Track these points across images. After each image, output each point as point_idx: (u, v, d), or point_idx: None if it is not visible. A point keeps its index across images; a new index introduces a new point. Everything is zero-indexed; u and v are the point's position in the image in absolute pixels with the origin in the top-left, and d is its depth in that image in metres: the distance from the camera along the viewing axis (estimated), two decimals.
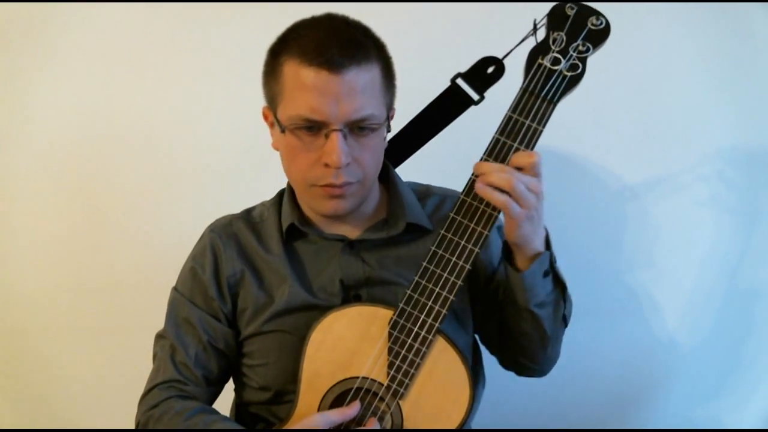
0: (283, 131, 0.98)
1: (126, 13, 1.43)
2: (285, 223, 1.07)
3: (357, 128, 0.95)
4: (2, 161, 1.48)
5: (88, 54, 1.45)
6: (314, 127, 0.95)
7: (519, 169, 0.90)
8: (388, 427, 0.96)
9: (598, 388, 1.45)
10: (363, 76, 0.94)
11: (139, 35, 1.45)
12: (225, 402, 1.14)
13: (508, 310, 1.03)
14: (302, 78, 0.93)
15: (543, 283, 0.98)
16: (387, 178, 1.11)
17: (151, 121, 1.47)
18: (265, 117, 1.04)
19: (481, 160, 0.93)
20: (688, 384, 1.46)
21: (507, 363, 1.15)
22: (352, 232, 1.07)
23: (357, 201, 1.02)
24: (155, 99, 1.46)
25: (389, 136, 1.11)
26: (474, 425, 1.11)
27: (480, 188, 0.90)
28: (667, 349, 1.46)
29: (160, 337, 1.10)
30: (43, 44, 1.44)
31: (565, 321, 1.05)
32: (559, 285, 1.01)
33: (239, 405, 1.14)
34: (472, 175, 0.94)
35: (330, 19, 0.99)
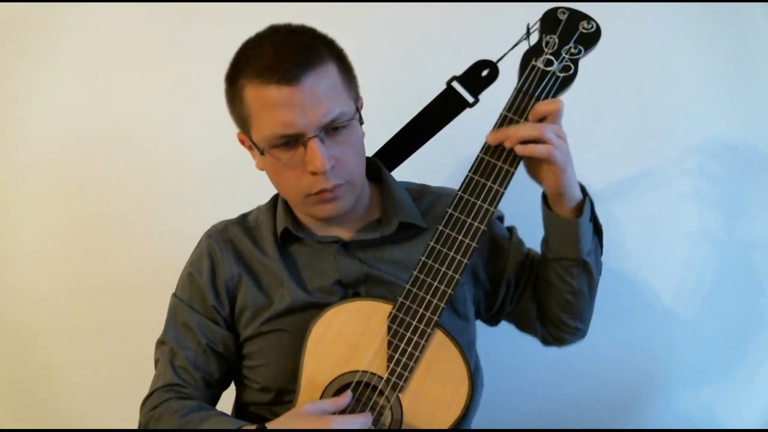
0: (262, 153, 1.00)
1: (126, 13, 1.44)
2: (279, 227, 1.09)
3: (331, 129, 0.97)
4: (2, 161, 1.49)
5: (87, 54, 1.46)
6: (291, 141, 0.97)
7: (541, 120, 0.94)
8: (388, 419, 0.97)
9: (598, 388, 1.46)
10: (321, 80, 0.95)
11: (138, 35, 1.45)
12: (226, 404, 1.15)
13: (554, 271, 1.06)
14: (265, 98, 0.95)
15: (589, 229, 1.02)
16: (380, 177, 1.13)
17: (152, 121, 1.48)
18: (242, 142, 1.06)
19: (477, 157, 0.96)
20: (688, 384, 1.47)
21: (550, 334, 1.15)
22: (345, 233, 1.09)
23: (352, 199, 1.04)
24: (156, 99, 1.47)
25: (384, 137, 1.14)
26: (474, 425, 1.12)
27: (519, 149, 0.93)
28: (667, 349, 1.47)
29: (160, 343, 1.12)
30: (43, 44, 1.45)
31: (600, 268, 1.08)
32: (597, 230, 1.05)
33: (240, 406, 1.15)
34: (469, 171, 0.96)
35: (275, 31, 1.00)
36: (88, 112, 1.48)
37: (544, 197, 1.02)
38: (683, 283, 1.46)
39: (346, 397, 0.95)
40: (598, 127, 1.42)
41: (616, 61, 1.33)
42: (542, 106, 0.95)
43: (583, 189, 1.02)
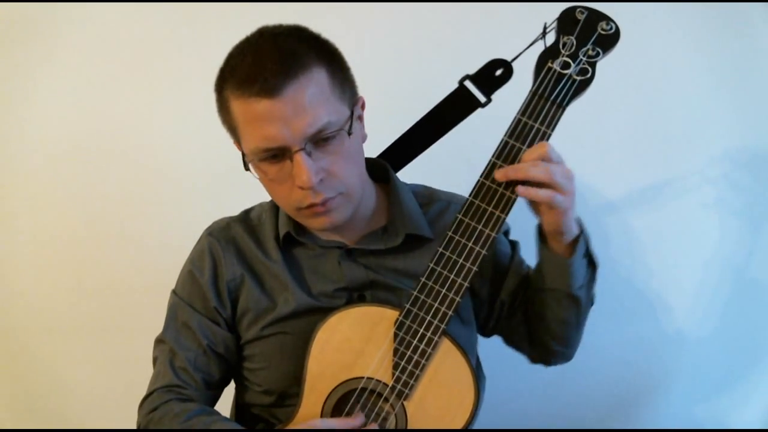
0: (247, 168, 0.97)
1: (127, 14, 1.43)
2: (281, 231, 1.06)
3: (318, 140, 0.92)
4: (2, 162, 1.48)
5: (88, 55, 1.45)
6: (277, 155, 0.93)
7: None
8: (392, 428, 0.96)
9: (599, 387, 1.46)
10: (305, 88, 0.90)
11: (139, 37, 1.44)
12: (225, 403, 1.14)
13: (542, 299, 1.03)
14: (247, 111, 0.91)
15: (583, 265, 0.99)
16: (387, 179, 1.10)
17: (152, 121, 1.46)
18: (239, 148, 1.03)
19: (489, 162, 0.93)
20: (689, 383, 1.47)
21: (538, 355, 1.14)
22: (350, 239, 1.06)
23: (347, 210, 0.99)
24: (156, 100, 1.45)
25: (392, 136, 1.11)
26: (474, 425, 1.12)
27: (521, 190, 0.89)
28: (667, 348, 1.47)
29: (159, 341, 1.10)
30: (43, 45, 1.44)
31: (592, 299, 1.06)
32: (592, 264, 1.02)
33: (240, 407, 1.13)
34: (480, 176, 0.94)
35: (259, 36, 0.94)
36: (88, 113, 1.46)
37: (539, 228, 0.99)
38: (684, 283, 1.45)
39: (358, 419, 0.94)
40: (598, 127, 1.40)
41: (617, 63, 1.30)
42: (529, 155, 0.90)
43: (580, 224, 0.98)
